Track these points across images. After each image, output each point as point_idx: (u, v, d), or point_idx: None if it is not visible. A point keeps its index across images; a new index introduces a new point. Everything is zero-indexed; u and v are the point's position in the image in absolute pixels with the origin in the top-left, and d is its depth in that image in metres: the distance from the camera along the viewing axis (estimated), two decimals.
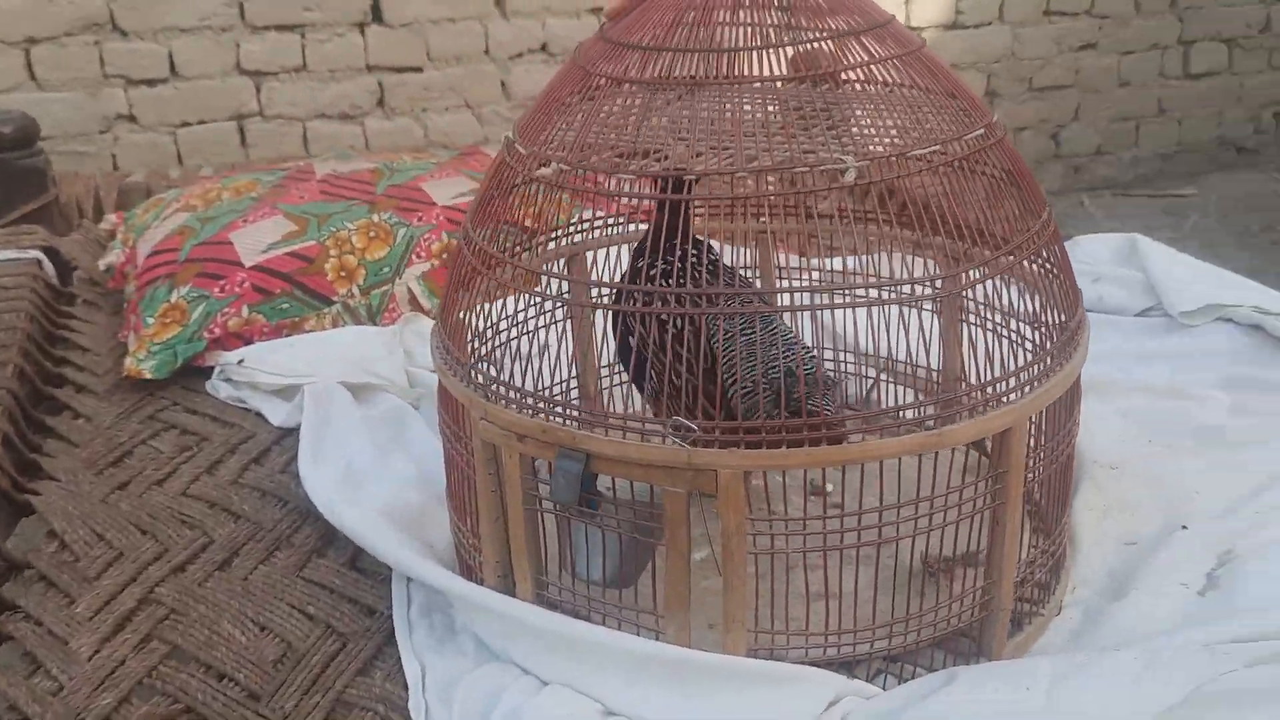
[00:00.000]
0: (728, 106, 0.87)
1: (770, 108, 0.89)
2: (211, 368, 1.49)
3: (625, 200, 1.08)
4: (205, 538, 1.17)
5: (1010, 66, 3.86)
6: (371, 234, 1.62)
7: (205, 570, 1.11)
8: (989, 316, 1.05)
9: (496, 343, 1.00)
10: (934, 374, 1.15)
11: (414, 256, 1.62)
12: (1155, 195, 4.12)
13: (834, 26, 0.91)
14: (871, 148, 0.86)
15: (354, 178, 1.78)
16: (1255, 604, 0.97)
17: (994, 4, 3.76)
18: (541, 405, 0.85)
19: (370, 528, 1.06)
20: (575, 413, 0.85)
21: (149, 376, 1.47)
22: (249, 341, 1.52)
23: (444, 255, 1.62)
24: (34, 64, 3.06)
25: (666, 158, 0.86)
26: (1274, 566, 1.02)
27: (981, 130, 0.90)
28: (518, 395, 0.87)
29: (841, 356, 1.26)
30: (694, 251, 0.95)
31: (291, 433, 1.34)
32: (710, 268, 1.02)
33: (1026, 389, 0.86)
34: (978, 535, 0.90)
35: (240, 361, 1.44)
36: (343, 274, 1.59)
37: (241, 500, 1.23)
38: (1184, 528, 1.09)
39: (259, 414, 1.41)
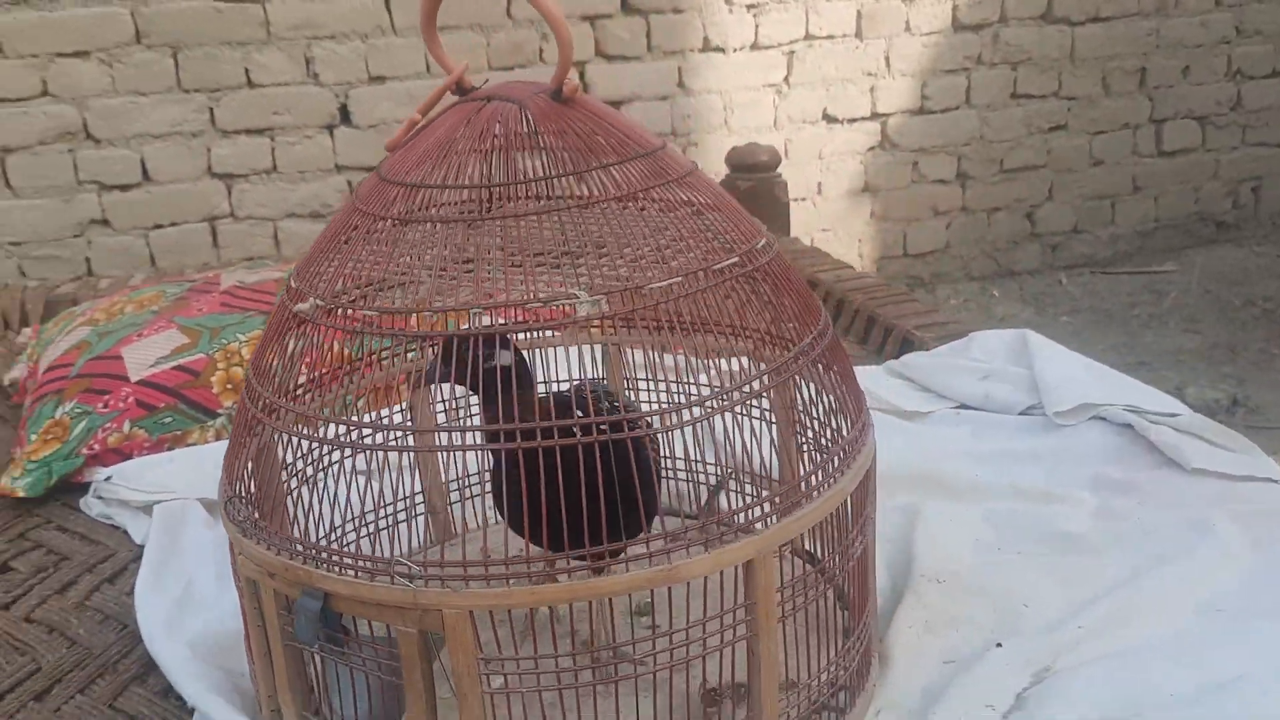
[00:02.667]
0: (483, 240, 0.88)
1: (529, 238, 0.90)
2: (89, 484, 1.51)
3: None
4: (33, 664, 1.17)
5: (980, 149, 3.87)
6: None
7: (21, 700, 1.11)
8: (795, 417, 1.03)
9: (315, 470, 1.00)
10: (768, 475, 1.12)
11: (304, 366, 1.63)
12: (1135, 272, 4.09)
13: (598, 159, 0.91)
14: (619, 276, 0.86)
15: (257, 288, 1.80)
16: None
17: (960, 89, 3.79)
18: (285, 542, 0.85)
19: (173, 659, 1.06)
20: (315, 551, 0.85)
21: (22, 495, 1.48)
22: (128, 457, 1.54)
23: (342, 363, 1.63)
24: (9, 172, 3.15)
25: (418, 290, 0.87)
26: (1081, 687, 0.99)
27: (736, 259, 0.90)
28: (270, 533, 0.87)
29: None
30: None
31: None
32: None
33: (773, 519, 0.85)
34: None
35: (108, 478, 1.45)
36: (229, 387, 1.60)
37: (81, 624, 1.23)
38: (999, 645, 1.06)
39: (125, 531, 1.41)
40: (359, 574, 0.82)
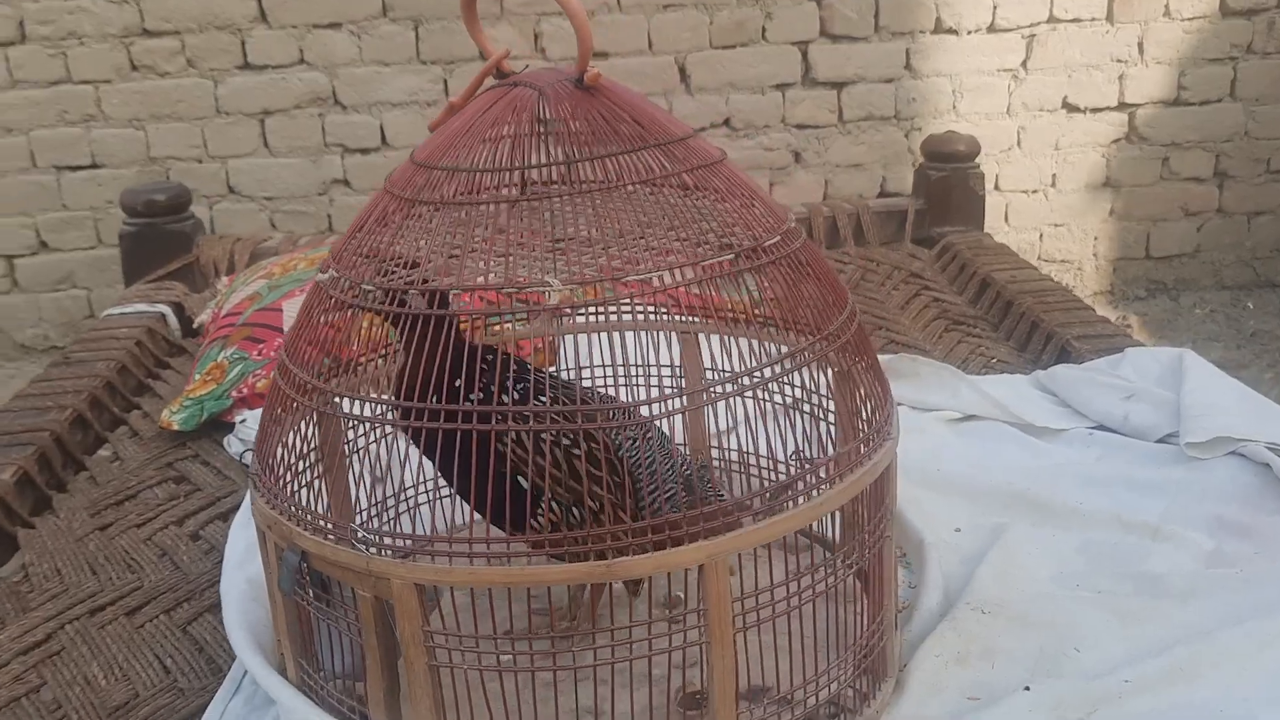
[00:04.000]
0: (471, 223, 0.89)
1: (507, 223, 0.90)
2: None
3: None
4: (136, 584, 1.29)
5: (1244, 146, 3.53)
6: None
7: (115, 615, 1.23)
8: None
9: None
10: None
11: None
12: None
13: (611, 146, 0.91)
14: (600, 265, 0.86)
15: None
16: None
17: (1224, 80, 3.46)
18: (275, 499, 0.91)
19: (230, 590, 1.14)
20: (298, 510, 0.89)
21: (177, 428, 1.63)
22: None
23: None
24: (267, 133, 3.44)
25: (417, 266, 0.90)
26: None
27: (732, 255, 0.87)
28: (266, 489, 0.92)
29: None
30: (515, 367, 0.95)
31: None
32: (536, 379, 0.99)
33: (730, 529, 0.82)
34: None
35: (243, 420, 1.58)
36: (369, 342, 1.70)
37: (187, 551, 1.35)
38: (1026, 689, 0.99)
39: None
40: (326, 536, 0.86)
